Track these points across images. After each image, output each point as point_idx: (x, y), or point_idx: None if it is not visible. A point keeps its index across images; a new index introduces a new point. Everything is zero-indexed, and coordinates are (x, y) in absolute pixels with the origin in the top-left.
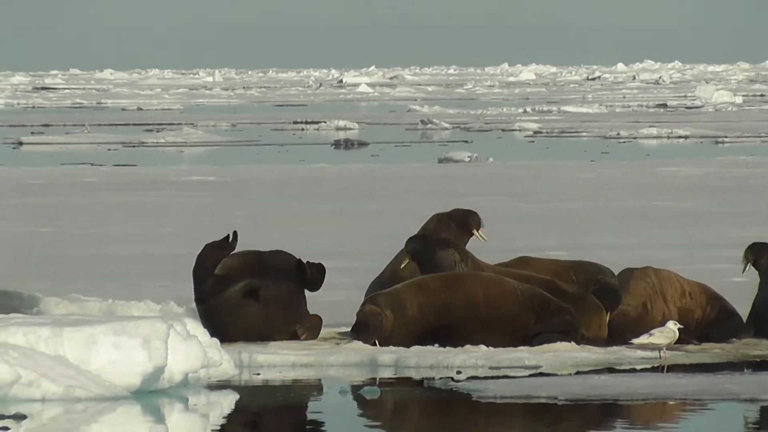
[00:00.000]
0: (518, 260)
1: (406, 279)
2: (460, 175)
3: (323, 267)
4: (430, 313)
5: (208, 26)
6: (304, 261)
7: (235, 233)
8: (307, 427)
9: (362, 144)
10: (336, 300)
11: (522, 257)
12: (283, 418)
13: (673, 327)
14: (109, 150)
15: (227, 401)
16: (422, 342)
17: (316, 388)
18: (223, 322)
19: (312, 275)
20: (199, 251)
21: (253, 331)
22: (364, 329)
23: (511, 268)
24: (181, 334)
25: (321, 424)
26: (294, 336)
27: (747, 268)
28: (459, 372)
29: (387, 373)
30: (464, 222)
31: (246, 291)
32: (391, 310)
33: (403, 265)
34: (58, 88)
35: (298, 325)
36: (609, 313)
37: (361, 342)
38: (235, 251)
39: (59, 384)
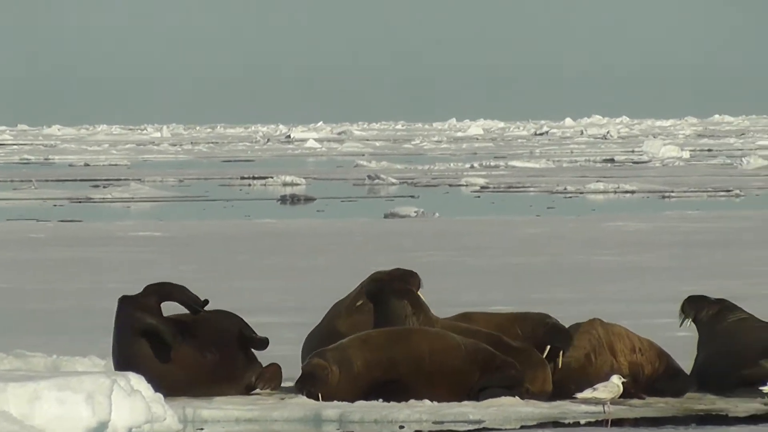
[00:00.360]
0: (460, 316)
1: (343, 333)
2: (406, 230)
3: (267, 342)
4: (376, 368)
5: (156, 82)
6: (250, 333)
7: (206, 301)
8: None
9: (308, 199)
10: (280, 354)
11: (464, 313)
12: None
13: (617, 381)
14: (54, 206)
15: None
16: (367, 397)
17: None
18: (115, 333)
19: (255, 346)
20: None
21: (146, 375)
22: (309, 380)
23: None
24: (124, 390)
25: None
26: (248, 389)
27: (687, 323)
28: (402, 427)
29: (331, 428)
30: (404, 282)
31: (146, 331)
32: (337, 366)
33: (358, 304)
34: (6, 144)
35: (256, 378)
36: (563, 354)
37: (304, 396)
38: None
39: None
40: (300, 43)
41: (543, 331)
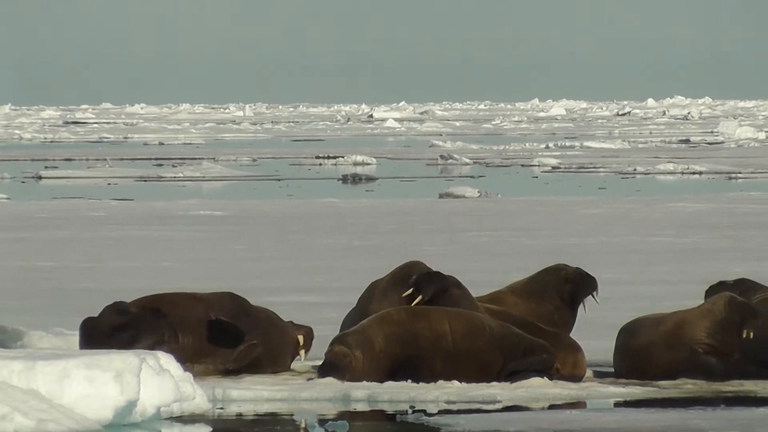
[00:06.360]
0: (490, 297)
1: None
2: (461, 211)
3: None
4: (396, 343)
5: (242, 61)
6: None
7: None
8: None
9: (370, 179)
10: (321, 335)
11: (492, 294)
12: None
13: None
14: (109, 184)
15: None
16: (392, 376)
17: (289, 422)
18: None
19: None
20: None
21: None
22: (333, 370)
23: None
24: (153, 368)
25: None
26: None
27: None
28: (412, 406)
29: (360, 408)
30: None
31: (120, 310)
32: (360, 350)
33: (415, 303)
34: (88, 123)
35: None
36: (593, 295)
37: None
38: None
39: (31, 418)
40: (390, 25)
41: (570, 277)
